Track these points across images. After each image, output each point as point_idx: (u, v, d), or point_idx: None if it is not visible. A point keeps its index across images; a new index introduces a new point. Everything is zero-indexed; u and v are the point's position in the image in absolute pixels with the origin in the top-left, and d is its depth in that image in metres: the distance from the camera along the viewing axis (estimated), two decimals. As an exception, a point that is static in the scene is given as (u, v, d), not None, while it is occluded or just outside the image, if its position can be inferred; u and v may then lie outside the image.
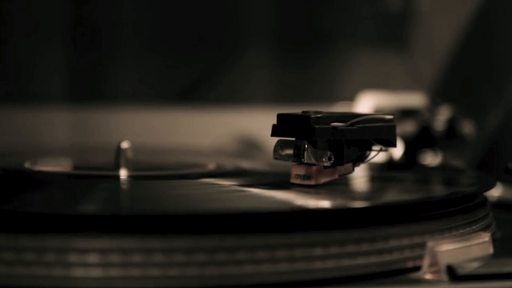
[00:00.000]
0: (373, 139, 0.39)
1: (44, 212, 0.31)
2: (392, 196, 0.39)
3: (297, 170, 0.38)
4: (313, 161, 0.37)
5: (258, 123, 0.64)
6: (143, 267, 0.29)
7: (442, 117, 0.58)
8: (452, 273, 0.32)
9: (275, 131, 0.38)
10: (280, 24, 0.79)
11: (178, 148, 0.67)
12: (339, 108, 0.69)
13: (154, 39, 0.77)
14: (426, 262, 0.32)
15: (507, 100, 0.66)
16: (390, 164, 0.54)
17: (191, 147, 0.68)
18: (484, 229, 0.37)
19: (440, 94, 0.68)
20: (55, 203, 0.35)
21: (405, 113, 0.59)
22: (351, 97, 0.68)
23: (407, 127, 0.58)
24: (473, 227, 0.36)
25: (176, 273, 0.29)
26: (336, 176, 0.39)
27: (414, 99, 0.62)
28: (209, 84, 0.78)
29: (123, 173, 0.44)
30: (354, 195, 0.39)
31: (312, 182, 0.38)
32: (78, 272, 0.29)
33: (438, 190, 0.44)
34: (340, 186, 0.39)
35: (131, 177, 0.43)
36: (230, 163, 0.50)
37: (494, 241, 0.35)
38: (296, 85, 0.79)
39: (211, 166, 0.48)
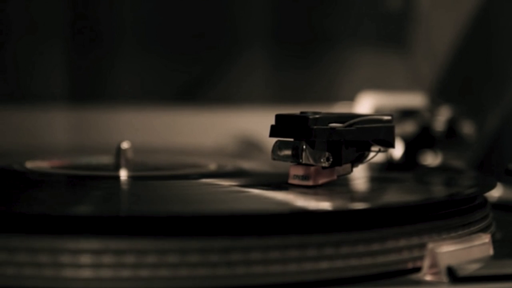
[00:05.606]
0: (371, 140, 0.39)
1: (43, 213, 0.31)
2: (392, 197, 0.39)
3: (295, 171, 0.38)
4: (311, 161, 0.37)
5: (258, 123, 0.64)
6: (153, 268, 0.29)
7: (442, 117, 0.58)
8: (452, 275, 0.31)
9: (273, 132, 0.38)
10: (279, 24, 0.79)
11: (178, 148, 0.67)
12: (339, 108, 0.69)
13: (153, 39, 0.77)
14: (426, 264, 0.32)
15: (507, 100, 0.65)
16: (390, 164, 0.54)
17: (191, 147, 0.67)
18: (484, 230, 0.37)
19: (440, 94, 0.68)
20: (54, 204, 0.35)
21: (405, 113, 0.59)
22: (351, 97, 0.68)
23: (407, 127, 0.58)
24: (473, 228, 0.36)
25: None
26: (335, 177, 0.39)
27: (414, 99, 0.62)
28: (209, 84, 0.78)
29: (123, 174, 0.44)
30: (353, 196, 0.39)
31: (310, 183, 0.38)
32: (88, 274, 0.29)
33: (438, 191, 0.43)
34: (339, 186, 0.39)
35: (131, 178, 0.43)
36: (229, 163, 0.50)
37: (494, 242, 0.35)
38: (296, 85, 0.79)
39: (211, 166, 0.48)
